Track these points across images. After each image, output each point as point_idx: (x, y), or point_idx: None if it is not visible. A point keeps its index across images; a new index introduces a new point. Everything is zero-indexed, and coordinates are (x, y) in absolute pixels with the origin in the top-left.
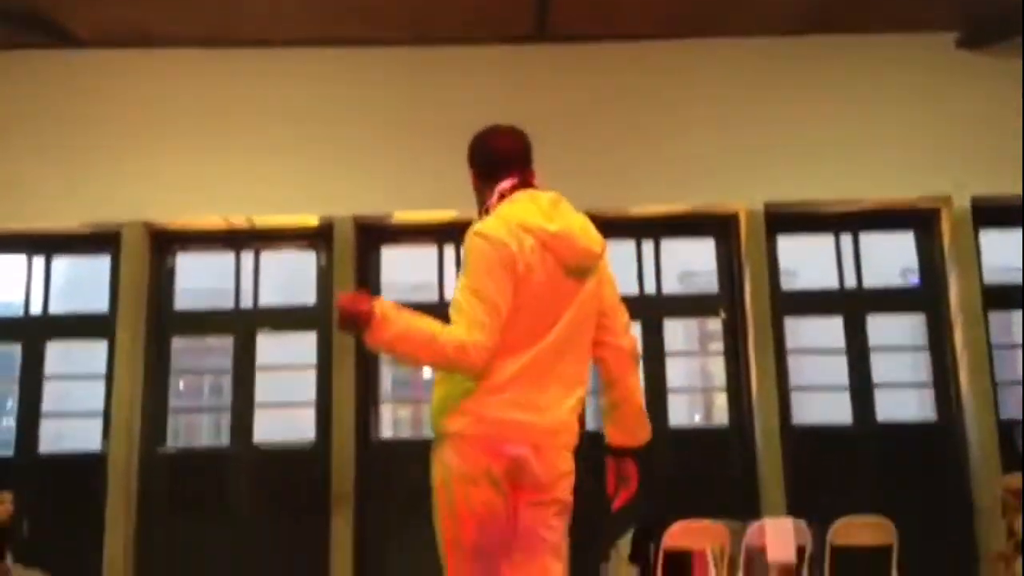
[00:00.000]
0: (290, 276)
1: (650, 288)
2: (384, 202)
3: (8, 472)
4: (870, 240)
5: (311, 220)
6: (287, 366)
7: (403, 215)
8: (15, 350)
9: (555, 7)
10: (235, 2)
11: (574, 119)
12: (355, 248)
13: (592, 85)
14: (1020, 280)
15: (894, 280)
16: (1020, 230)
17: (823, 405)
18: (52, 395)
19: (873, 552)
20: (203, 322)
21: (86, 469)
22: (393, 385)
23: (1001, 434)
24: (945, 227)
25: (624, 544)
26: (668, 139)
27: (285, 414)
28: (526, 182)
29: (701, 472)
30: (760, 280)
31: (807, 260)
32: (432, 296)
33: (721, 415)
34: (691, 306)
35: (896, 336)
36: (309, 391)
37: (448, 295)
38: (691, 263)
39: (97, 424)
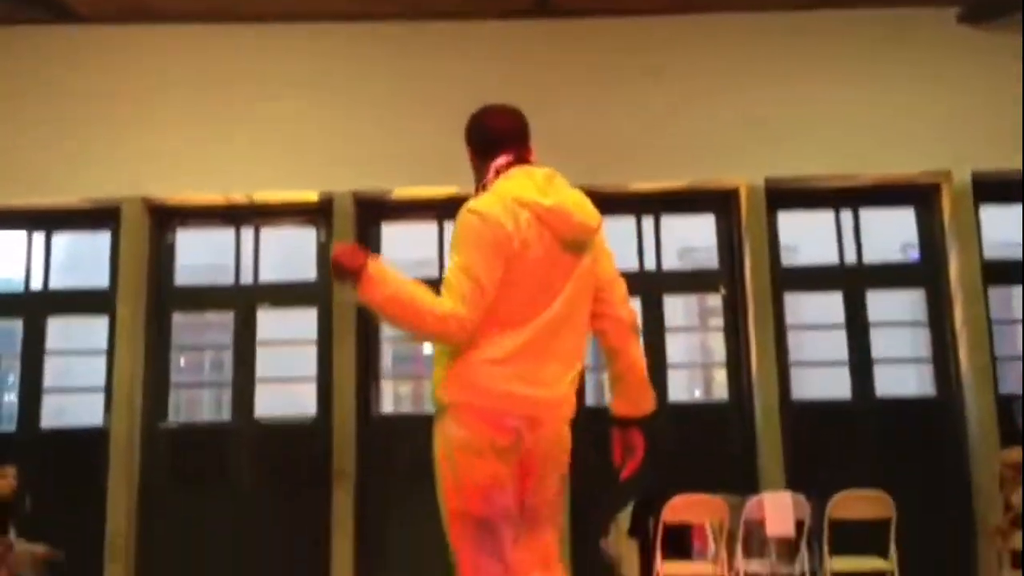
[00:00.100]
0: (290, 252)
1: (650, 264)
2: (384, 178)
3: (10, 447)
4: (870, 215)
5: (311, 196)
6: (288, 342)
7: (403, 191)
8: (16, 326)
9: None
10: None
11: (574, 94)
12: (355, 224)
13: (592, 60)
14: (1020, 255)
15: (894, 255)
16: (1020, 205)
17: (823, 380)
18: (53, 370)
19: (872, 526)
20: (203, 298)
21: (88, 444)
22: (394, 361)
23: (1000, 409)
24: (945, 202)
25: (624, 518)
26: (668, 115)
27: (286, 389)
28: (522, 159)
29: (701, 447)
30: (760, 256)
31: (807, 235)
32: (433, 272)
33: (721, 390)
34: (691, 282)
35: (896, 311)
36: (310, 367)
37: None
38: (691, 239)
39: (99, 399)
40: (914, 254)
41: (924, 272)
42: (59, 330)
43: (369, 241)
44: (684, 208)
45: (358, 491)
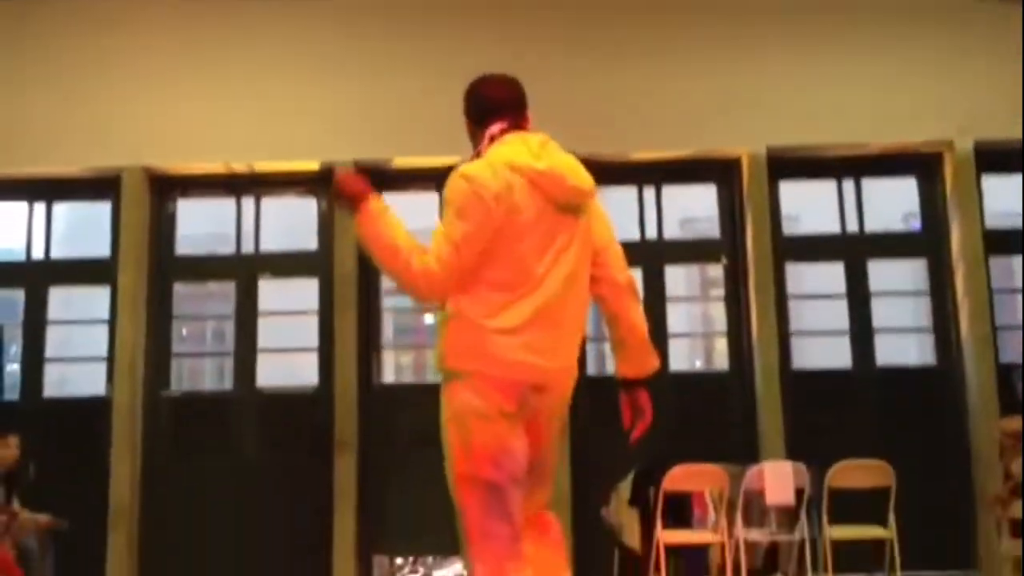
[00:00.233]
0: (291, 222)
1: (651, 234)
2: (385, 147)
3: (13, 417)
4: (872, 185)
5: (312, 165)
6: (289, 311)
7: (404, 160)
8: (18, 296)
9: None
10: None
11: (576, 64)
12: None
13: (594, 29)
14: (1021, 225)
15: (896, 225)
16: (1021, 175)
17: (823, 350)
18: (55, 340)
19: (871, 495)
20: (205, 267)
21: (90, 413)
22: (395, 331)
23: (1000, 378)
24: (947, 172)
25: (625, 487)
26: (670, 84)
27: (287, 359)
28: (518, 126)
29: (701, 417)
30: (762, 225)
31: (809, 205)
32: None
33: (722, 360)
34: (692, 252)
35: (897, 281)
36: (311, 337)
37: None
38: (692, 208)
39: (101, 368)
40: (916, 224)
41: (926, 241)
42: (61, 300)
43: None
44: (685, 177)
45: (360, 460)
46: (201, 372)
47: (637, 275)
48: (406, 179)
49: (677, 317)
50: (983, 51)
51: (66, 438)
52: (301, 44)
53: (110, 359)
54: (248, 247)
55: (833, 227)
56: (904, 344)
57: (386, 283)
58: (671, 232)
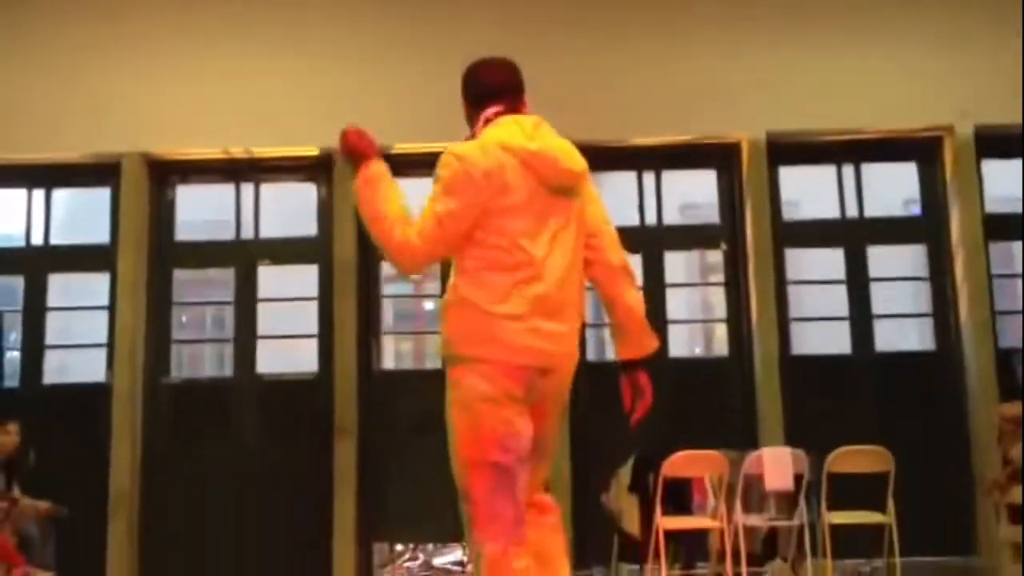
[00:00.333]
0: (291, 208)
1: (651, 219)
2: (384, 133)
3: (13, 403)
4: (872, 170)
5: (311, 150)
6: (289, 298)
7: (403, 146)
8: (18, 282)
9: None
10: None
11: (575, 48)
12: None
13: (593, 13)
14: (1021, 210)
15: (896, 210)
16: (1021, 160)
17: (823, 335)
18: (55, 327)
19: (870, 480)
20: (204, 254)
21: (90, 400)
22: (395, 318)
23: (999, 364)
24: (947, 157)
25: (624, 473)
26: (669, 68)
27: (287, 345)
28: (514, 110)
29: (701, 402)
30: (761, 211)
31: (809, 190)
32: None
33: (721, 346)
34: (692, 237)
35: (897, 267)
36: (311, 323)
37: None
38: (692, 194)
39: (101, 355)
40: (916, 209)
41: (925, 227)
42: (60, 286)
43: None
44: (685, 163)
45: (360, 447)
46: (201, 358)
47: (636, 261)
48: (405, 165)
49: (677, 303)
50: (983, 35)
51: (66, 425)
52: (300, 29)
53: (110, 345)
54: (248, 233)
55: (833, 212)
56: (904, 329)
57: (386, 269)
58: (670, 218)
